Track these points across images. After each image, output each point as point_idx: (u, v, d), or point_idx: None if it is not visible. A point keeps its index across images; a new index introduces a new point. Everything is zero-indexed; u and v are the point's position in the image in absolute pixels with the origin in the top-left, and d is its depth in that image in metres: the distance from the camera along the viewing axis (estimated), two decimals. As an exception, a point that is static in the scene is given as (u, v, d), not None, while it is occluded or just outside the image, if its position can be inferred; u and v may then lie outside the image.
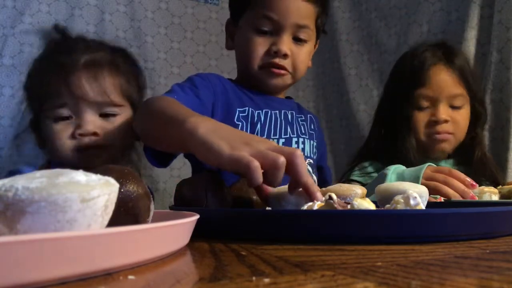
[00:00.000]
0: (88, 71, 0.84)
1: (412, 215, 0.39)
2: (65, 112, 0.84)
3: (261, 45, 0.91)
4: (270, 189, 0.56)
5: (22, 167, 0.85)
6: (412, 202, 0.43)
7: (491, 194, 0.78)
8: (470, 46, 1.27)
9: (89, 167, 0.34)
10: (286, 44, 0.90)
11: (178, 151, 0.75)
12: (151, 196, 0.39)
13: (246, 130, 0.91)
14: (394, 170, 0.88)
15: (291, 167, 0.50)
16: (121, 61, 0.90)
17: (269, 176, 0.50)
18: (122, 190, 0.35)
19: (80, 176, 0.28)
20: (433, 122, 1.08)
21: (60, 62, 0.84)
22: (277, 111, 0.96)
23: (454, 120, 1.08)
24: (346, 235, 0.39)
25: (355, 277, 0.25)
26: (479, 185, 0.81)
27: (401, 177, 0.85)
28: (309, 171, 0.96)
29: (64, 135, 0.84)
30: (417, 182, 0.80)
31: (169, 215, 0.42)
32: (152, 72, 1.44)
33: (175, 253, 0.35)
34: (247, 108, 0.92)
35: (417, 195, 0.44)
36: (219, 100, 0.91)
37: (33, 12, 1.26)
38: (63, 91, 0.83)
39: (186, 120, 0.58)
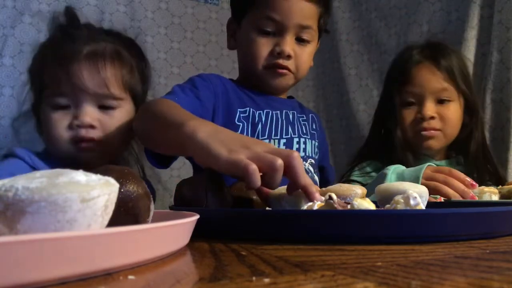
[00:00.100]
0: (90, 61, 0.83)
1: (412, 215, 0.39)
2: (64, 101, 0.83)
3: (264, 46, 0.90)
4: (270, 190, 0.56)
5: (17, 149, 0.84)
6: (412, 202, 0.43)
7: (491, 194, 0.77)
8: (470, 46, 1.27)
9: (89, 167, 0.34)
10: (289, 45, 0.90)
11: (177, 154, 0.75)
12: (151, 196, 0.39)
13: (247, 131, 0.91)
14: (394, 170, 0.88)
15: (288, 169, 0.50)
16: (126, 52, 0.89)
17: (267, 178, 0.50)
18: (122, 190, 0.35)
19: (80, 176, 0.28)
20: (420, 119, 1.08)
21: (62, 50, 0.83)
22: (278, 111, 0.96)
23: (442, 116, 1.09)
24: (346, 235, 0.39)
25: (355, 277, 0.25)
26: (481, 184, 0.81)
27: (401, 177, 0.85)
28: (310, 171, 0.96)
29: (61, 125, 0.83)
30: (417, 182, 0.80)
31: (169, 215, 0.42)
32: (152, 72, 1.44)
33: (175, 253, 0.35)
34: (248, 108, 0.92)
35: (417, 195, 0.44)
36: (220, 101, 0.91)
37: (33, 12, 1.26)
38: (62, 80, 0.82)
39: (185, 124, 0.58)
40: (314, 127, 1.04)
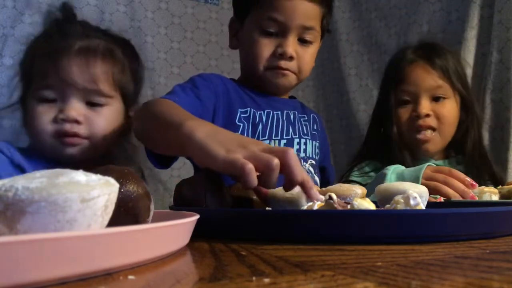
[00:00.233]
0: (81, 56, 0.83)
1: (412, 215, 0.39)
2: (50, 94, 0.83)
3: (266, 47, 0.90)
4: (270, 189, 0.56)
5: None
6: (412, 202, 0.43)
7: (491, 194, 0.78)
8: (470, 46, 1.27)
9: (88, 167, 0.34)
10: (291, 46, 0.90)
11: (177, 155, 0.75)
12: (151, 196, 0.39)
13: (248, 131, 0.90)
14: (393, 170, 0.88)
15: (284, 166, 0.50)
16: (120, 51, 0.89)
17: (264, 178, 0.50)
18: (122, 190, 0.35)
19: (80, 176, 0.28)
20: (415, 117, 1.09)
21: (54, 44, 0.83)
22: (279, 112, 0.95)
23: (437, 114, 1.09)
24: (346, 235, 0.39)
25: (355, 277, 0.25)
26: (480, 184, 0.81)
27: (400, 177, 0.85)
28: (310, 172, 0.96)
29: (45, 118, 0.82)
30: (417, 182, 0.80)
31: (169, 215, 0.42)
32: (152, 72, 1.44)
33: (175, 253, 0.35)
34: (248, 108, 0.92)
35: (417, 195, 0.44)
36: (221, 101, 0.90)
37: (33, 12, 1.26)
38: (50, 73, 0.82)
39: (183, 124, 0.58)
40: (315, 127, 1.04)
